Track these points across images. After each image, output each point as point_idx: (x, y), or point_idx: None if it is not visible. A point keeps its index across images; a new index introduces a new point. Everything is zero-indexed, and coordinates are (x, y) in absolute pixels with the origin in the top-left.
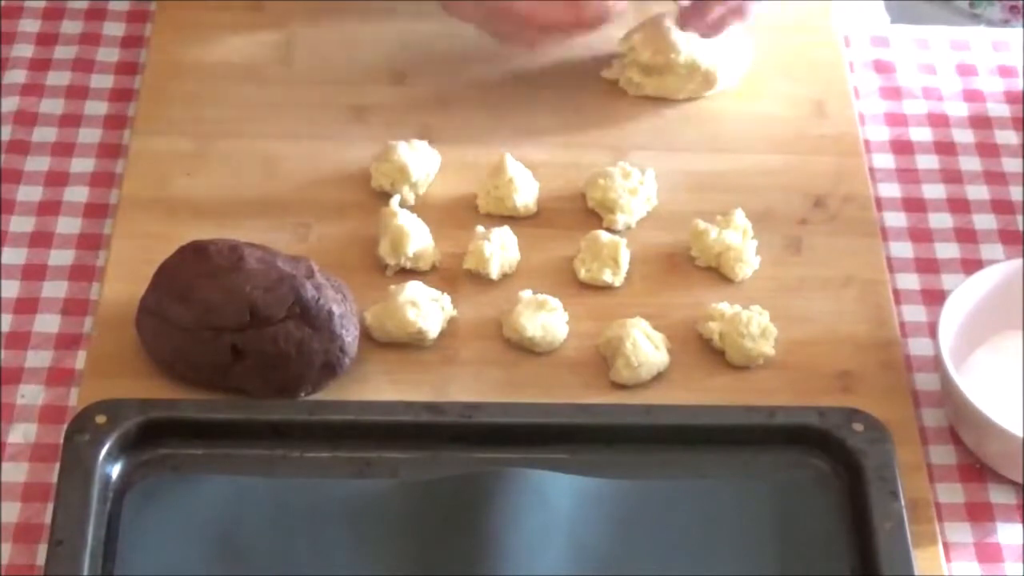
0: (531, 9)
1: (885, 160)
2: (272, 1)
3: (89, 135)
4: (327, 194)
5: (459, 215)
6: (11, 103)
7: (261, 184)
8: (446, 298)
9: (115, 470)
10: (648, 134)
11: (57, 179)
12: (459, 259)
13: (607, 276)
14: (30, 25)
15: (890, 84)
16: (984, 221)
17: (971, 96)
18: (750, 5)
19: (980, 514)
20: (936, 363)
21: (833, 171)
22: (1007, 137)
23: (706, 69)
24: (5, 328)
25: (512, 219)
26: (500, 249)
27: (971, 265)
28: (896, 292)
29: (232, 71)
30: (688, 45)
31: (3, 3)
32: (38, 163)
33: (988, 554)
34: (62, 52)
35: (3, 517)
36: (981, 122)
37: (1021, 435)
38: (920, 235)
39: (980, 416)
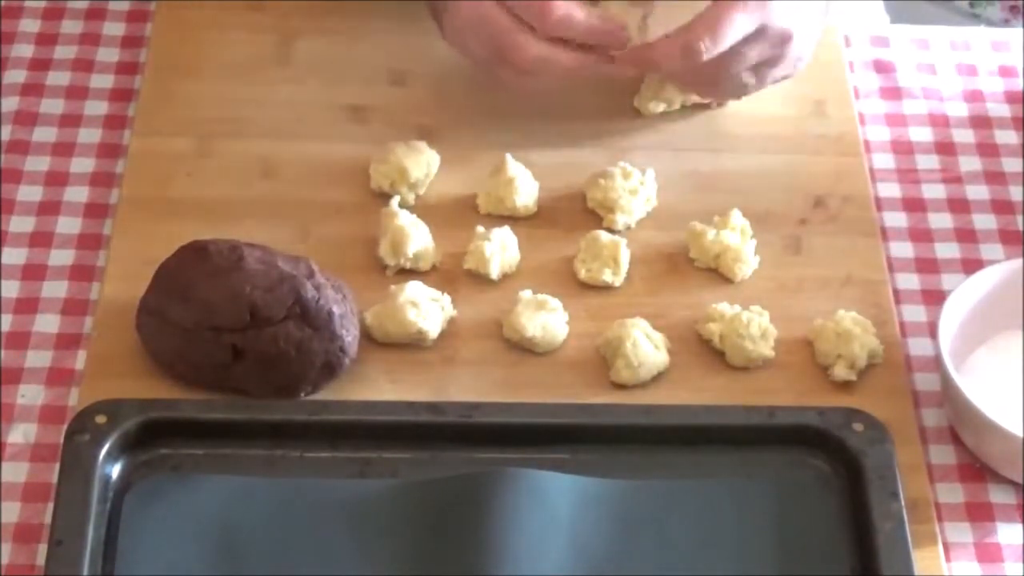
0: (540, 60)
1: (885, 160)
2: (272, 1)
3: (89, 135)
4: (327, 194)
5: (459, 215)
6: (11, 103)
7: (261, 184)
8: (446, 298)
9: (115, 470)
10: (648, 134)
11: (57, 179)
12: (459, 259)
13: (607, 276)
14: (30, 25)
15: (890, 84)
16: (984, 221)
17: (971, 96)
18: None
19: (980, 514)
20: (936, 363)
21: (833, 171)
22: (1007, 137)
23: None
24: (5, 328)
25: (512, 219)
26: (500, 249)
27: (971, 265)
28: (896, 292)
29: (232, 71)
30: None
31: (3, 3)
32: (38, 163)
33: (988, 554)
34: (62, 52)
35: (3, 517)
36: (981, 122)
37: (1021, 435)
38: (920, 235)
39: (980, 416)
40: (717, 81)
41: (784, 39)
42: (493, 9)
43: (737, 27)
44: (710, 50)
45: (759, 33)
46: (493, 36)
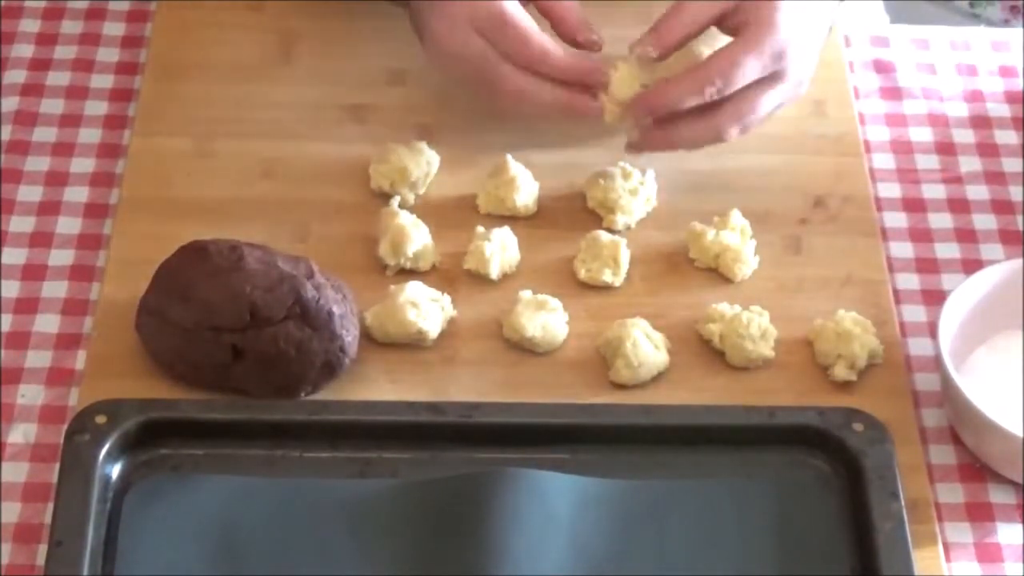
0: (520, 93)
1: (885, 160)
2: (272, 1)
3: (89, 135)
4: (327, 194)
5: (459, 215)
6: (11, 103)
7: (261, 184)
8: (446, 298)
9: (115, 470)
10: None
11: (57, 179)
12: (459, 259)
13: (607, 276)
14: (30, 25)
15: (890, 84)
16: (984, 221)
17: (971, 96)
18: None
19: (980, 514)
20: (936, 363)
21: (833, 171)
22: (1007, 137)
23: None
24: (5, 328)
25: (512, 219)
26: (500, 249)
27: (971, 265)
28: (896, 292)
29: (232, 71)
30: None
31: (3, 3)
32: (38, 163)
33: (988, 554)
34: (62, 52)
35: (3, 517)
36: (981, 122)
37: (1021, 435)
38: (920, 235)
39: (980, 416)
40: (725, 130)
41: (797, 84)
42: (471, 37)
43: (749, 71)
44: (721, 91)
45: (773, 79)
46: (475, 68)
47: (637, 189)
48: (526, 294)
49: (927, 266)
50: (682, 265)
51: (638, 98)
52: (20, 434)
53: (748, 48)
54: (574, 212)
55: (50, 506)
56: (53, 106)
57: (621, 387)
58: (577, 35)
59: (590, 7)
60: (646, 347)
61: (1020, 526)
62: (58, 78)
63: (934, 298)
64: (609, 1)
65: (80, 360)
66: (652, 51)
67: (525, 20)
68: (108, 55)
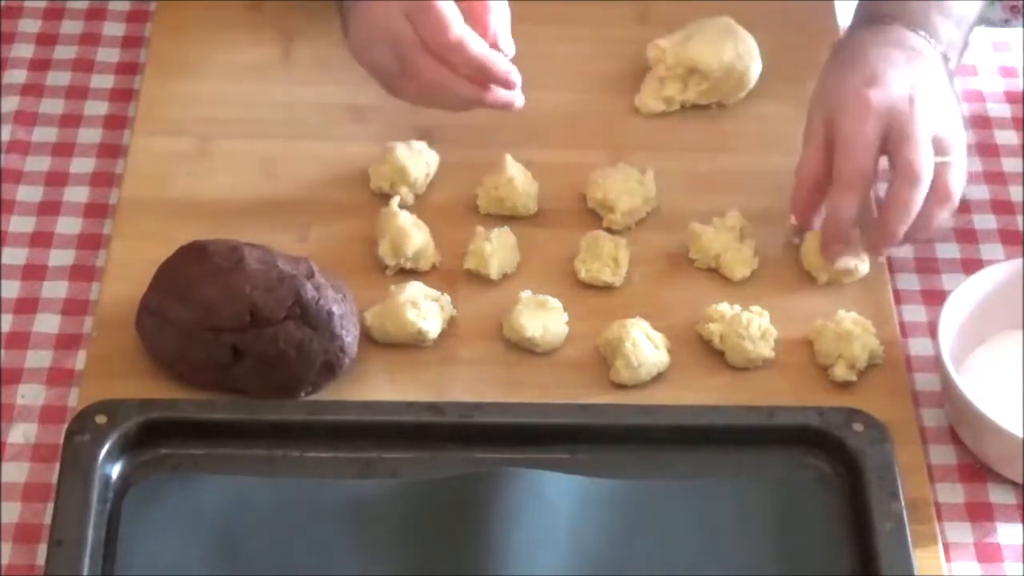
0: (434, 83)
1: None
2: (272, 1)
3: (89, 135)
4: (327, 194)
5: (459, 215)
6: (11, 103)
7: (261, 184)
8: (446, 298)
9: (115, 470)
10: (648, 134)
11: (57, 179)
12: (459, 259)
13: (607, 276)
14: (30, 25)
15: None
16: (984, 221)
17: (971, 96)
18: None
19: (980, 514)
20: (936, 363)
21: None
22: (1007, 137)
23: (740, 71)
24: (5, 328)
25: (512, 219)
26: (500, 249)
27: (971, 265)
28: (896, 292)
29: (232, 71)
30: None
31: (3, 3)
32: (38, 163)
33: (988, 554)
34: (62, 52)
35: (3, 517)
36: (981, 122)
37: (1021, 435)
38: None
39: (980, 416)
40: (909, 200)
41: (946, 138)
42: (400, 21)
43: (858, 137)
44: (859, 165)
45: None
46: (396, 48)
47: (637, 189)
48: (526, 294)
49: (927, 266)
50: (682, 265)
51: (824, 240)
52: (20, 434)
53: (847, 125)
54: (574, 212)
55: (50, 506)
56: (53, 106)
57: (621, 387)
58: (486, 40)
59: (591, 7)
60: (646, 347)
61: (1020, 526)
62: (58, 78)
63: (934, 298)
64: (609, 1)
65: (80, 360)
66: (796, 222)
67: (450, 10)
68: (108, 55)
